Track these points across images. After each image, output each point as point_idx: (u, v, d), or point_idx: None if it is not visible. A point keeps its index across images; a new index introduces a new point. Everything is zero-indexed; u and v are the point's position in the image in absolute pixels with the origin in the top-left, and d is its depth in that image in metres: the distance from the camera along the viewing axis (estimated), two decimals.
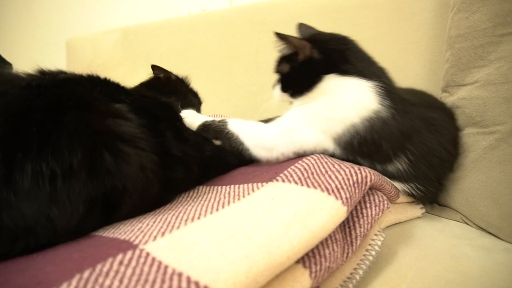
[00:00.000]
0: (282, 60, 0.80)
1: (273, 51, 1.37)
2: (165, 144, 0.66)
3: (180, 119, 0.84)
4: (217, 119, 0.87)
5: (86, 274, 0.37)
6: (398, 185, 0.72)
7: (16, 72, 0.60)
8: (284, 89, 0.80)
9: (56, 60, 2.27)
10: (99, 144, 0.53)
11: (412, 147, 0.70)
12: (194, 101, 1.06)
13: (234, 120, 0.83)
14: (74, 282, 0.36)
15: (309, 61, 0.73)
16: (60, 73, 0.65)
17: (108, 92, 0.65)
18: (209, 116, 0.94)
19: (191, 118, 0.87)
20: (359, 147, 0.69)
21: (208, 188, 0.71)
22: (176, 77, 1.08)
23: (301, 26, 0.87)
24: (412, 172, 0.71)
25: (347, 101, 0.70)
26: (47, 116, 0.51)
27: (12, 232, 0.48)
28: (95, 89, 0.63)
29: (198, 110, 1.03)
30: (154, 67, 1.03)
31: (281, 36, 0.73)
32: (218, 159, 0.85)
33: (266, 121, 1.14)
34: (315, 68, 0.73)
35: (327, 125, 0.71)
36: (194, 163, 0.72)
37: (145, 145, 0.59)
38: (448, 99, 0.87)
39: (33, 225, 0.48)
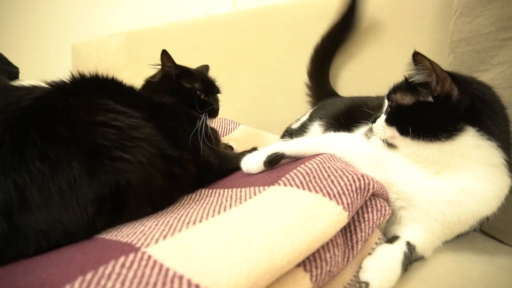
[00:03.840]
0: (404, 86, 0.63)
1: (276, 54, 1.37)
2: (162, 143, 0.66)
3: (175, 120, 0.79)
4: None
5: (88, 276, 0.37)
6: None
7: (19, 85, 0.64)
8: (394, 123, 0.63)
9: (62, 63, 2.30)
10: (93, 152, 0.55)
11: None
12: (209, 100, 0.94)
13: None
14: (77, 284, 0.36)
15: (445, 100, 0.57)
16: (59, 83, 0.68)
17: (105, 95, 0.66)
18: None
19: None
20: None
21: (210, 191, 0.72)
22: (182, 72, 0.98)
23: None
24: None
25: (492, 187, 0.57)
26: (42, 136, 0.54)
27: (27, 236, 0.51)
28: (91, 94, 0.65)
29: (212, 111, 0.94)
30: (163, 53, 0.91)
31: (419, 58, 0.58)
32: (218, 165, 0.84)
33: (289, 133, 1.13)
34: (453, 112, 0.56)
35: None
36: (191, 164, 0.73)
37: (140, 142, 0.61)
38: None
39: (46, 230, 0.51)
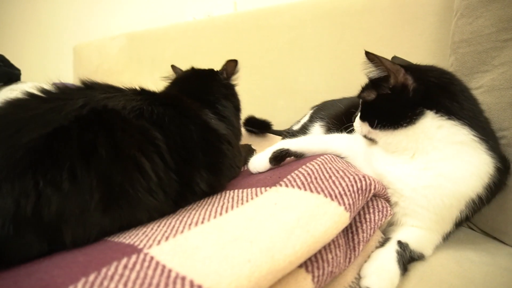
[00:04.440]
0: (368, 85, 0.69)
1: (277, 56, 1.38)
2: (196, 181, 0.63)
3: (221, 149, 0.73)
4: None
5: (91, 277, 0.38)
6: None
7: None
8: (365, 118, 0.68)
9: (63, 65, 2.31)
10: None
11: None
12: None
13: None
14: (80, 285, 0.36)
15: (401, 90, 0.61)
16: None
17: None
18: None
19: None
20: None
21: None
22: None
23: (395, 59, 0.76)
24: None
25: (467, 166, 0.59)
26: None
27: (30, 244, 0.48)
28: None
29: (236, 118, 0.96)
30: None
31: (370, 56, 0.63)
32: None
33: (291, 135, 1.14)
34: (410, 99, 0.61)
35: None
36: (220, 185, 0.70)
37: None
38: None
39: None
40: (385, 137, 0.64)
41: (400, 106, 0.62)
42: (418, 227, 0.63)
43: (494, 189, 0.61)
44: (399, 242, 0.60)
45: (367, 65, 0.64)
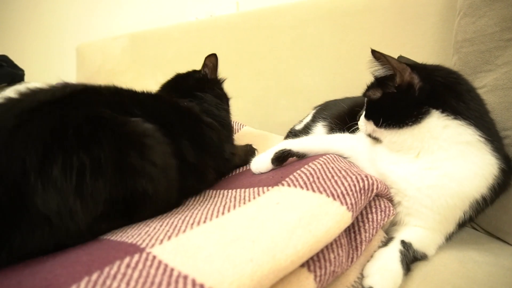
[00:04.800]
0: (374, 83, 0.69)
1: (280, 55, 1.38)
2: (181, 151, 0.67)
3: (199, 125, 0.80)
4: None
5: (94, 276, 0.38)
6: None
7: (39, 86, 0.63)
8: (370, 116, 0.68)
9: (66, 65, 2.32)
10: (125, 143, 0.55)
11: None
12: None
13: None
14: (83, 284, 0.37)
15: (407, 89, 0.61)
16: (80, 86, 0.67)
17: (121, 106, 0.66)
18: None
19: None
20: None
21: (214, 192, 0.72)
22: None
23: (401, 59, 0.76)
24: None
25: (471, 166, 0.59)
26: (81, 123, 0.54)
27: (32, 220, 0.49)
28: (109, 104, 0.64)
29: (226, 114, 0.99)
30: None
31: (376, 55, 0.62)
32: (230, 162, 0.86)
33: (293, 135, 1.14)
34: (416, 98, 0.61)
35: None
36: (210, 170, 0.74)
37: (166, 148, 0.61)
38: None
39: (53, 216, 0.50)
40: (390, 136, 0.64)
41: (405, 105, 0.61)
42: (421, 227, 0.63)
43: (498, 190, 0.61)
44: (403, 242, 0.60)
45: (373, 63, 0.64)
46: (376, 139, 0.69)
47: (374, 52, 0.62)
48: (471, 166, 0.59)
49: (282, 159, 0.75)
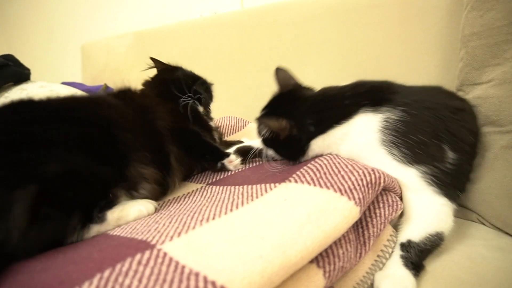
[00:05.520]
0: (267, 137, 0.78)
1: (284, 52, 1.37)
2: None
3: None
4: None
5: (106, 273, 0.38)
6: None
7: None
8: (269, 146, 0.80)
9: (72, 64, 2.33)
10: None
11: None
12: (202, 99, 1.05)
13: None
14: (95, 281, 0.37)
15: (292, 136, 0.73)
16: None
17: None
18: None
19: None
20: None
21: (221, 188, 0.72)
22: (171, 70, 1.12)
23: (279, 72, 0.89)
24: None
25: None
26: None
27: None
28: None
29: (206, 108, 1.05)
30: (153, 60, 1.12)
31: (261, 122, 0.77)
32: None
33: None
34: (300, 140, 0.72)
35: None
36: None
37: None
38: None
39: None
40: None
41: (296, 144, 0.73)
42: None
43: None
44: (401, 245, 0.59)
45: (259, 128, 0.78)
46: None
47: (259, 119, 0.79)
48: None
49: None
